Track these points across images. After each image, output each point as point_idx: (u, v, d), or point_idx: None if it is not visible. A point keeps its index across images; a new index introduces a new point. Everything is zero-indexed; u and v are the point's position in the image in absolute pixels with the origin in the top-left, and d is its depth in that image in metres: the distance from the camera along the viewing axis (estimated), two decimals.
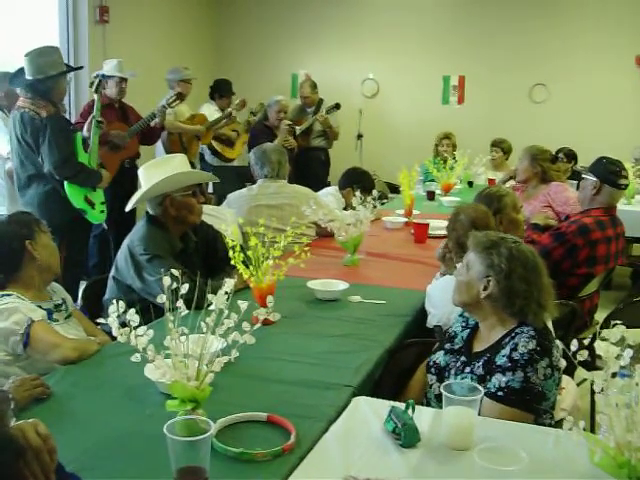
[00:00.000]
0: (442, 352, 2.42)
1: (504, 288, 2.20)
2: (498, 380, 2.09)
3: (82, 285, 3.72)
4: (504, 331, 2.22)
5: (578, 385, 2.96)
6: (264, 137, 6.39)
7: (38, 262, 2.67)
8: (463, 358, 2.32)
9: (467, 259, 2.34)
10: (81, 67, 6.07)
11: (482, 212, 3.07)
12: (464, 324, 2.44)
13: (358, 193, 3.82)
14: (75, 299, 3.26)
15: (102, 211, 4.73)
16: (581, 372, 2.66)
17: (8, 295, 2.55)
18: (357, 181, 5.02)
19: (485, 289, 2.24)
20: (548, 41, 8.24)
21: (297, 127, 7.14)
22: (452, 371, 2.31)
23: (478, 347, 2.31)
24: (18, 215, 2.89)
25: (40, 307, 2.60)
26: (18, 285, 2.64)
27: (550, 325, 2.65)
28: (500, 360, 2.12)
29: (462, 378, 2.20)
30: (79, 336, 2.73)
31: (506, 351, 2.13)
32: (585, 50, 8.13)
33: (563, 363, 2.62)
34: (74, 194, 4.50)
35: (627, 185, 4.03)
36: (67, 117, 4.91)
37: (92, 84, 4.87)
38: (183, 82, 6.67)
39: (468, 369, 2.25)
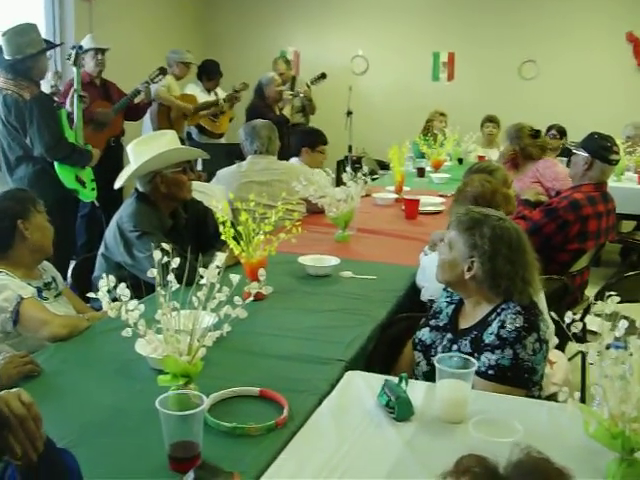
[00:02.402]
0: (427, 329, 2.40)
1: (488, 270, 2.17)
2: (487, 359, 2.08)
3: (72, 264, 3.68)
4: (490, 307, 2.21)
5: (569, 360, 2.98)
6: (269, 114, 6.31)
7: (29, 242, 2.65)
8: (449, 335, 2.31)
9: (449, 238, 2.29)
10: (62, 43, 5.99)
11: (489, 189, 3.02)
12: (449, 299, 2.42)
13: (348, 169, 3.80)
14: (65, 278, 3.23)
15: (93, 189, 4.71)
16: (574, 346, 2.67)
17: None
18: (305, 141, 4.95)
19: (469, 270, 2.21)
20: (538, 18, 8.19)
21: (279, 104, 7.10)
22: (438, 348, 2.30)
23: (464, 324, 2.30)
24: (14, 192, 2.86)
25: (30, 285, 2.58)
26: (8, 263, 2.62)
27: (543, 299, 2.65)
28: (488, 338, 2.11)
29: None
30: (69, 314, 2.71)
31: (493, 329, 2.11)
32: (575, 26, 8.10)
33: (554, 339, 2.64)
34: (65, 174, 4.47)
35: (618, 161, 4.03)
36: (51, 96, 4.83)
37: (69, 57, 4.81)
38: (182, 64, 6.67)
39: (455, 347, 2.23)
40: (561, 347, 2.97)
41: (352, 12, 8.79)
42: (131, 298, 1.77)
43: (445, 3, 8.49)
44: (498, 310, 2.17)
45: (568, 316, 1.61)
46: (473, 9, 8.39)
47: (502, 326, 2.10)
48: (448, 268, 2.28)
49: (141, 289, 2.15)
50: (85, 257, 3.51)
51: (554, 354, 2.71)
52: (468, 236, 2.22)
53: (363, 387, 1.97)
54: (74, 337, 2.37)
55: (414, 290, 3.03)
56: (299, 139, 5.10)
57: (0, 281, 2.46)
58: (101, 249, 3.22)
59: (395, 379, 1.90)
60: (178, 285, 1.79)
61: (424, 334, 2.39)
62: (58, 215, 4.25)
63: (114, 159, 5.24)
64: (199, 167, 6.10)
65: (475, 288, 2.23)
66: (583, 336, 2.75)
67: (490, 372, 2.06)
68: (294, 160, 4.95)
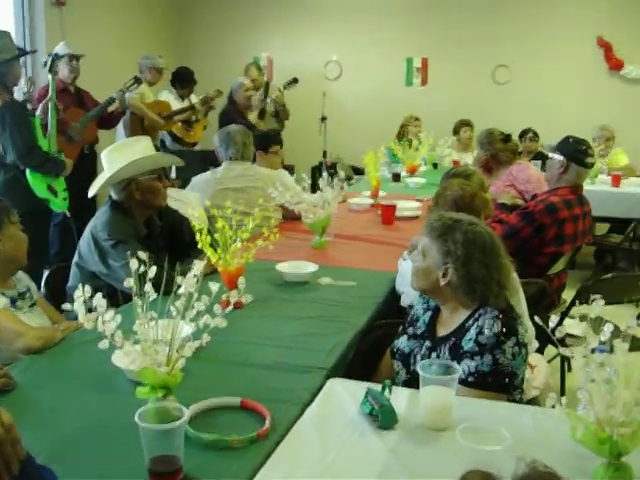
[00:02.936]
0: (405, 337, 2.38)
1: (463, 275, 2.16)
2: (467, 365, 2.06)
3: (45, 274, 3.62)
4: (467, 313, 2.19)
5: (548, 362, 2.98)
6: (239, 119, 6.27)
7: (3, 253, 2.58)
8: (428, 343, 2.29)
9: (422, 245, 2.28)
10: (34, 51, 5.93)
11: (469, 192, 3.01)
12: (425, 305, 2.40)
13: (325, 174, 3.78)
14: (39, 288, 3.17)
15: (65, 198, 4.65)
16: (553, 349, 2.67)
17: None
18: (257, 145, 4.78)
19: (444, 276, 2.19)
20: (511, 22, 8.24)
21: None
22: (417, 357, 2.27)
23: (442, 331, 2.27)
24: None
25: (3, 295, 2.52)
26: None
27: (524, 302, 2.65)
28: (467, 345, 2.10)
29: None
30: (44, 324, 2.65)
31: (472, 335, 2.10)
32: (547, 31, 8.15)
33: (534, 343, 2.63)
34: (37, 183, 4.41)
35: (593, 164, 4.05)
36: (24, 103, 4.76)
37: (45, 63, 4.75)
38: (154, 69, 6.63)
39: (434, 354, 2.21)
40: (540, 350, 2.98)
41: (326, 18, 8.78)
42: (107, 308, 1.73)
43: (419, 8, 8.50)
44: (475, 316, 2.15)
45: (553, 321, 1.60)
46: (447, 14, 8.42)
47: (480, 332, 2.08)
48: (422, 275, 2.26)
49: (117, 298, 2.10)
50: (59, 266, 3.44)
51: (534, 358, 2.71)
52: (441, 242, 2.20)
53: (345, 395, 1.94)
54: (49, 349, 2.32)
55: (393, 296, 3.01)
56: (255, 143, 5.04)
57: None
58: (75, 258, 3.16)
59: (378, 386, 1.88)
60: (155, 295, 1.76)
61: (402, 343, 2.36)
62: (30, 224, 4.17)
63: (88, 167, 5.18)
64: (173, 174, 6.05)
65: (451, 294, 2.22)
66: (562, 339, 2.76)
67: (470, 379, 2.04)
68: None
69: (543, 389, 2.59)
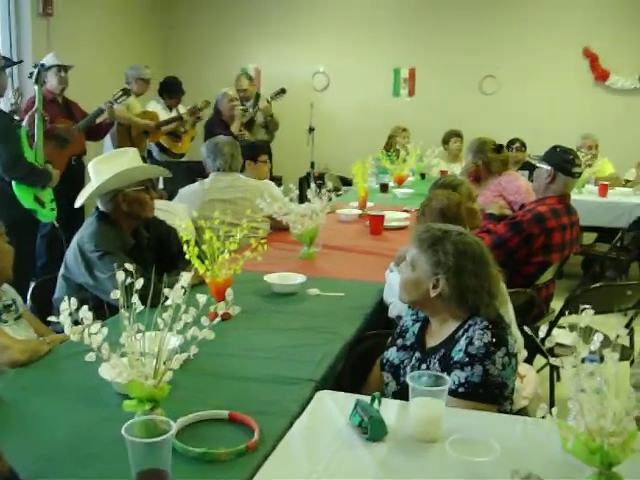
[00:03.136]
0: (394, 349, 2.36)
1: (455, 285, 2.15)
2: (457, 376, 2.05)
3: (32, 286, 3.58)
4: (456, 324, 2.18)
5: (538, 372, 2.97)
6: (220, 130, 6.28)
7: None
8: (417, 354, 2.27)
9: (411, 257, 2.26)
10: (21, 61, 5.91)
11: (455, 201, 3.02)
12: (414, 317, 2.39)
13: (313, 185, 3.77)
14: (25, 300, 3.14)
15: (52, 209, 4.62)
16: (542, 359, 2.66)
17: None
18: (246, 155, 4.82)
19: (435, 287, 2.18)
20: (497, 33, 8.30)
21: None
22: (407, 368, 2.26)
23: (431, 342, 2.26)
24: None
25: None
26: None
27: (512, 312, 2.65)
28: (457, 355, 2.08)
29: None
30: (30, 337, 2.62)
31: (461, 345, 2.09)
32: (533, 42, 8.20)
33: (524, 352, 2.63)
34: (23, 195, 4.38)
35: (580, 173, 4.06)
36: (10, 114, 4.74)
37: (31, 75, 4.73)
38: (141, 80, 6.62)
39: (424, 366, 2.20)
40: (529, 360, 2.97)
41: (313, 29, 8.80)
42: (94, 320, 1.71)
43: (406, 19, 8.54)
44: (465, 326, 2.14)
45: (542, 330, 1.59)
46: (434, 25, 8.46)
47: (470, 342, 2.07)
48: (412, 288, 2.25)
49: (103, 311, 2.09)
50: (45, 278, 3.41)
51: (523, 367, 2.70)
52: (431, 253, 2.19)
53: (334, 407, 1.93)
54: (35, 362, 2.29)
55: (382, 307, 3.00)
56: (243, 153, 5.04)
57: None
58: (61, 270, 3.14)
59: (367, 398, 1.87)
60: (142, 307, 1.74)
61: (392, 354, 2.35)
62: (16, 236, 4.14)
63: (75, 178, 5.15)
64: (160, 186, 6.04)
65: (441, 306, 2.20)
66: (551, 349, 2.75)
67: (460, 390, 2.03)
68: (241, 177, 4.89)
69: (532, 399, 2.58)
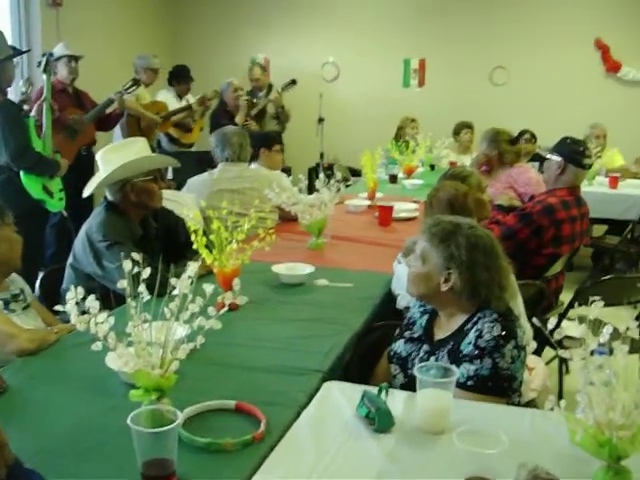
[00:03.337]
0: (402, 341, 2.35)
1: (467, 279, 2.13)
2: (466, 369, 2.03)
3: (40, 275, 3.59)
4: (465, 316, 2.17)
5: (546, 364, 2.96)
6: (225, 120, 6.29)
7: None
8: (425, 347, 2.26)
9: (421, 250, 2.23)
10: (28, 50, 5.90)
11: (462, 192, 3.00)
12: (422, 309, 2.37)
13: (321, 175, 3.76)
14: (34, 290, 3.14)
15: (61, 199, 4.62)
16: (551, 351, 2.65)
17: None
18: (261, 142, 4.92)
19: (446, 282, 2.16)
20: (508, 24, 8.24)
21: (251, 111, 7.07)
22: (415, 361, 2.24)
23: (440, 334, 2.25)
24: None
25: None
26: None
27: (521, 304, 2.63)
28: (466, 348, 2.07)
29: None
30: (38, 327, 2.63)
31: (471, 338, 2.07)
32: (544, 33, 8.14)
33: (532, 344, 2.61)
34: (32, 185, 4.38)
35: (591, 165, 4.03)
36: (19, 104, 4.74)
37: (40, 64, 4.73)
38: (150, 70, 6.62)
39: (433, 358, 2.18)
40: (538, 352, 2.96)
41: (323, 19, 8.77)
42: (101, 310, 1.71)
43: (416, 10, 8.49)
44: (474, 319, 2.13)
45: (551, 323, 1.58)
46: (444, 16, 8.41)
47: (480, 335, 2.05)
48: (422, 281, 2.23)
49: (110, 300, 2.08)
50: (54, 268, 3.41)
51: (532, 360, 2.69)
52: (443, 248, 2.17)
53: (341, 398, 1.92)
54: (42, 351, 2.29)
55: (390, 297, 2.99)
56: (255, 142, 5.05)
57: None
58: (70, 260, 3.14)
59: (374, 389, 1.86)
60: (149, 296, 1.73)
61: (399, 346, 2.34)
62: (25, 225, 4.15)
63: (85, 168, 5.14)
64: (170, 176, 6.04)
65: (452, 299, 2.19)
66: (560, 341, 2.73)
67: (469, 383, 2.02)
68: (253, 166, 4.91)
69: (541, 391, 2.57)
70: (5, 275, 2.65)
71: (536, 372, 2.66)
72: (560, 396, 3.38)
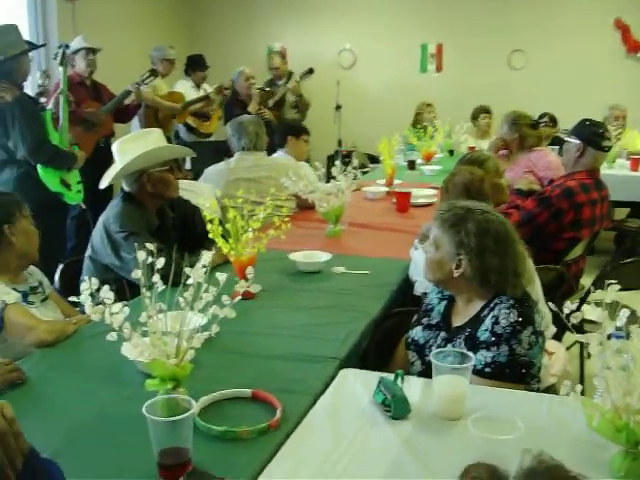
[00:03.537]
0: (420, 327, 2.33)
1: (477, 266, 2.11)
2: (484, 356, 2.01)
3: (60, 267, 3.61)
4: (482, 303, 2.14)
5: (567, 349, 2.93)
6: (238, 110, 6.30)
7: (15, 248, 2.57)
8: (443, 334, 2.24)
9: (434, 236, 2.22)
10: (44, 44, 5.92)
11: (478, 176, 2.98)
12: (439, 295, 2.36)
13: (338, 162, 3.75)
14: (53, 282, 3.16)
15: (79, 191, 4.63)
16: (572, 336, 2.63)
17: None
18: (290, 131, 5.03)
19: (457, 268, 2.14)
20: (525, 7, 8.15)
21: (270, 100, 7.06)
22: (433, 348, 2.21)
23: (457, 321, 2.23)
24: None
25: (15, 290, 2.51)
26: None
27: (539, 288, 2.61)
28: (483, 335, 2.05)
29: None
30: (56, 319, 2.64)
31: (487, 325, 2.05)
32: (563, 15, 8.05)
33: (552, 328, 2.59)
34: (49, 178, 4.39)
35: (610, 147, 3.98)
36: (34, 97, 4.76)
37: (56, 56, 4.74)
38: (166, 61, 6.63)
39: (450, 345, 2.17)
40: (558, 337, 2.93)
41: (339, 6, 8.73)
42: (116, 301, 1.72)
43: None
44: (491, 305, 2.11)
45: (567, 307, 1.55)
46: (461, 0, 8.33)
47: (496, 322, 2.03)
48: (436, 267, 2.22)
49: (130, 290, 2.09)
50: (73, 259, 3.43)
51: (552, 344, 2.66)
52: (453, 233, 2.15)
53: (358, 385, 1.92)
54: (61, 342, 2.31)
55: (407, 284, 2.98)
56: (283, 130, 5.12)
57: None
58: (88, 251, 3.15)
59: (391, 376, 1.85)
60: (164, 286, 1.74)
61: (417, 333, 2.32)
62: (44, 218, 4.18)
63: (104, 160, 5.15)
64: (187, 166, 6.05)
65: (465, 285, 2.17)
66: (580, 326, 2.71)
67: (487, 370, 2.00)
68: (280, 153, 4.93)
69: (561, 376, 2.55)
70: (23, 267, 2.67)
71: (556, 357, 2.64)
72: (581, 381, 3.35)
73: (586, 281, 3.89)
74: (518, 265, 2.14)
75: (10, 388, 1.96)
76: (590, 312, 1.59)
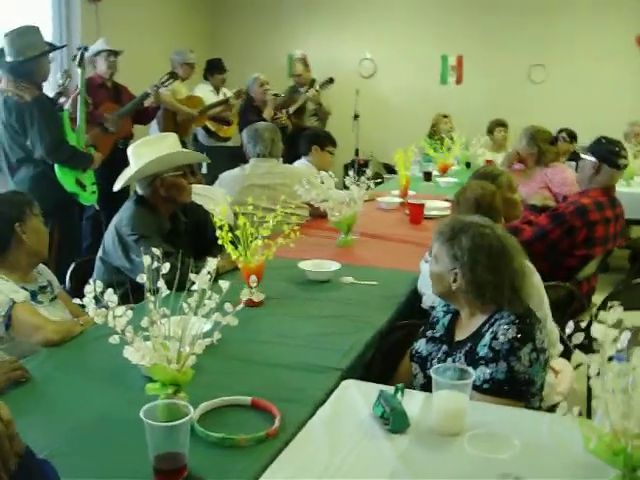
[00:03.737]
0: (424, 340, 2.33)
1: (471, 280, 2.12)
2: (482, 372, 2.01)
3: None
4: (484, 318, 2.14)
5: (575, 368, 2.91)
6: (253, 116, 6.32)
7: (26, 246, 2.60)
8: (445, 347, 2.25)
9: (434, 250, 2.24)
10: (64, 45, 5.98)
11: (489, 191, 2.98)
12: (445, 308, 2.36)
13: (351, 172, 3.75)
14: (64, 281, 3.18)
15: (93, 192, 4.67)
16: (578, 356, 2.61)
17: None
18: (315, 140, 5.04)
19: (454, 281, 2.16)
20: (547, 21, 8.12)
21: (290, 108, 7.08)
22: (434, 361, 2.22)
23: (460, 335, 2.23)
24: (10, 195, 2.80)
25: (24, 289, 2.53)
26: (3, 267, 2.57)
27: (547, 305, 2.59)
28: (482, 351, 2.04)
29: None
30: (64, 318, 2.66)
31: (486, 340, 2.05)
32: (584, 30, 8.02)
33: (559, 346, 2.57)
34: (65, 178, 4.43)
35: (626, 165, 3.96)
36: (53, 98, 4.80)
37: (75, 58, 4.79)
38: (186, 65, 6.66)
39: (450, 360, 2.17)
40: (567, 355, 2.92)
41: (360, 16, 8.73)
42: (125, 303, 1.73)
43: (453, 6, 8.42)
44: (491, 321, 2.10)
45: (569, 326, 1.54)
46: (482, 12, 8.32)
47: (495, 337, 2.03)
48: (436, 280, 2.24)
49: (140, 294, 2.10)
50: (85, 259, 3.45)
51: (559, 363, 2.65)
52: (448, 247, 2.17)
53: (358, 397, 1.91)
54: (67, 342, 2.33)
55: (416, 296, 2.97)
56: (309, 138, 5.14)
57: None
58: (99, 252, 3.17)
59: (392, 389, 1.85)
60: (168, 291, 1.75)
61: (421, 345, 2.32)
62: (59, 218, 4.26)
63: (121, 161, 5.19)
64: (204, 170, 6.08)
65: (465, 299, 2.18)
66: (589, 344, 2.69)
67: (485, 386, 1.99)
68: (302, 160, 4.95)
69: (567, 395, 2.54)
70: (33, 266, 2.69)
71: (563, 375, 2.62)
72: (589, 400, 3.32)
73: (598, 299, 3.86)
74: (515, 280, 2.13)
75: (14, 386, 1.98)
76: (596, 331, 1.58)
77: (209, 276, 1.78)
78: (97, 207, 4.80)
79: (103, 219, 4.73)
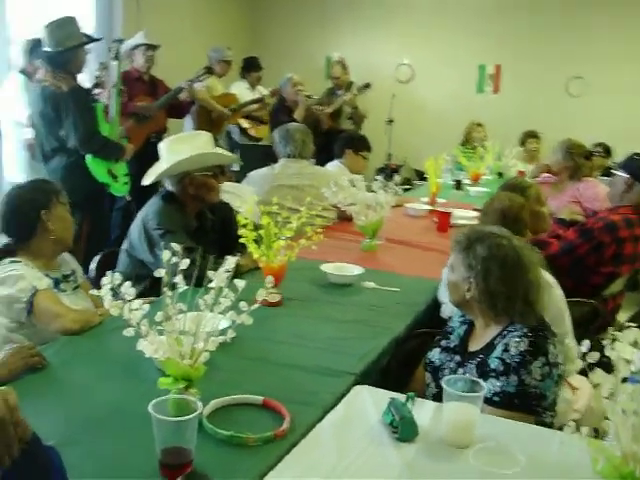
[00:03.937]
0: (438, 349, 2.33)
1: (483, 290, 2.12)
2: (493, 385, 2.00)
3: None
4: (498, 329, 2.14)
5: (594, 387, 2.87)
6: (284, 116, 6.34)
7: (51, 234, 2.62)
8: (457, 358, 2.24)
9: (451, 259, 2.25)
10: (100, 38, 6.04)
11: (517, 203, 2.98)
12: (462, 319, 2.35)
13: (379, 177, 3.74)
14: (88, 271, 3.22)
15: (125, 183, 4.71)
16: (594, 374, 2.57)
17: (16, 262, 2.52)
18: (349, 144, 5.10)
19: (468, 290, 2.16)
20: (587, 34, 8.03)
21: (326, 109, 7.09)
22: (446, 371, 2.22)
23: (473, 346, 2.22)
24: (39, 183, 2.84)
25: (48, 276, 2.56)
26: (28, 253, 2.60)
27: (569, 322, 2.57)
28: (493, 363, 2.03)
29: None
30: (86, 307, 2.69)
31: (498, 353, 2.04)
32: (624, 43, 7.91)
33: (578, 363, 2.54)
34: (97, 168, 4.48)
35: None
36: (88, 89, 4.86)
37: (110, 50, 4.85)
38: (223, 62, 6.70)
39: (461, 370, 2.16)
40: (586, 372, 2.88)
41: (399, 21, 8.73)
42: (141, 296, 1.75)
43: (493, 15, 8.37)
44: (504, 333, 2.10)
45: (585, 344, 1.53)
46: (521, 22, 8.27)
47: (506, 349, 2.02)
48: (452, 289, 2.25)
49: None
50: (112, 250, 3.48)
51: (577, 379, 2.62)
52: (464, 256, 2.18)
53: (369, 403, 1.91)
54: (86, 332, 2.35)
55: (436, 305, 2.95)
56: (344, 141, 5.16)
57: (17, 271, 2.45)
58: (124, 245, 3.20)
59: (402, 397, 1.84)
60: (186, 287, 1.76)
61: (434, 355, 2.32)
62: (89, 208, 4.30)
63: (154, 155, 5.24)
64: (236, 167, 6.10)
65: (479, 309, 2.18)
66: (609, 363, 2.65)
67: (495, 399, 1.98)
68: (336, 162, 4.96)
69: (584, 413, 2.51)
70: (58, 253, 2.72)
71: (581, 392, 2.59)
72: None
73: (623, 317, 3.81)
74: (529, 293, 2.11)
75: (31, 372, 2.01)
76: (610, 351, 1.56)
77: (227, 274, 1.79)
78: (129, 198, 4.84)
79: (134, 210, 4.76)
